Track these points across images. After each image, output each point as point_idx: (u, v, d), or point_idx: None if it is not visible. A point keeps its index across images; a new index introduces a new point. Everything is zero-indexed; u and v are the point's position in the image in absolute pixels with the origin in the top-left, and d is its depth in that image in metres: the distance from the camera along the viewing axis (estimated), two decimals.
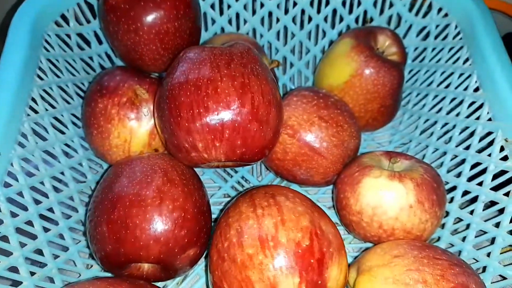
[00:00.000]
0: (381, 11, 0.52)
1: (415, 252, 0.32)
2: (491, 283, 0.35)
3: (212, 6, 0.50)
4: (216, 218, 0.43)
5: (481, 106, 0.40)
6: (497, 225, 0.36)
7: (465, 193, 0.40)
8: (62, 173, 0.40)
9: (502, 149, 0.37)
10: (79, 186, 0.42)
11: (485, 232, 0.37)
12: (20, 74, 0.36)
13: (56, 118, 0.41)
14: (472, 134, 0.41)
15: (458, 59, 0.45)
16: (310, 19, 0.52)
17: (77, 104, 0.44)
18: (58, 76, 0.42)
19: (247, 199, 0.33)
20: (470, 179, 0.40)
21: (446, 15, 0.48)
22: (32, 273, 0.33)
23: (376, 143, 0.52)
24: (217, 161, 0.35)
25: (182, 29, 0.40)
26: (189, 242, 0.34)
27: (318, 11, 0.52)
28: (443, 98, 0.46)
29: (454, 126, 0.44)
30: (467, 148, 0.41)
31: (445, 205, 0.37)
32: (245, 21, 0.51)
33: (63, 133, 0.41)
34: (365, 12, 0.52)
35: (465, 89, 0.43)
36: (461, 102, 0.43)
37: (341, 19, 0.52)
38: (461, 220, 0.39)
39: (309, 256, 0.29)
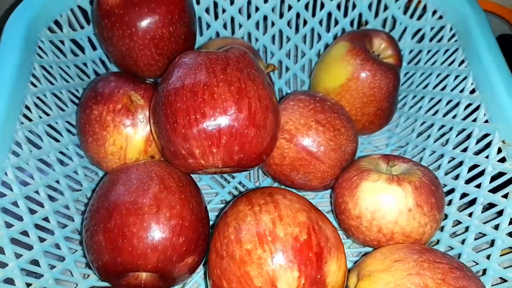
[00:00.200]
0: (376, 14, 0.52)
1: (415, 256, 0.32)
2: (492, 285, 0.35)
3: (207, 11, 0.50)
4: (213, 224, 0.42)
5: (477, 108, 0.40)
6: (496, 227, 0.36)
7: (464, 195, 0.40)
8: (57, 182, 0.39)
9: (499, 150, 0.37)
10: (75, 194, 0.41)
11: (484, 235, 0.37)
12: (14, 81, 0.36)
13: (50, 126, 0.40)
14: (469, 136, 0.41)
15: (453, 61, 0.45)
16: (305, 22, 0.52)
17: (71, 111, 0.44)
18: (52, 83, 0.41)
19: (245, 199, 0.34)
20: (468, 181, 0.40)
21: (440, 17, 0.48)
22: (28, 284, 0.33)
23: (373, 146, 0.52)
24: (214, 168, 0.34)
25: (177, 34, 0.40)
26: (187, 250, 0.33)
27: (313, 15, 0.52)
28: (439, 101, 0.46)
29: (451, 128, 0.44)
30: (465, 150, 0.41)
31: (444, 208, 0.37)
32: (240, 25, 0.51)
33: (57, 140, 0.41)
34: (360, 15, 0.52)
35: (461, 91, 0.43)
36: (457, 104, 0.43)
37: (336, 23, 0.52)
38: (460, 222, 0.39)
39: (307, 250, 0.29)
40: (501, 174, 0.36)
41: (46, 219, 0.37)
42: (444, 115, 0.45)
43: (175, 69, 0.35)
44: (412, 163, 0.39)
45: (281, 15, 0.51)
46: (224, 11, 0.50)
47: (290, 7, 0.51)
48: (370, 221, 0.36)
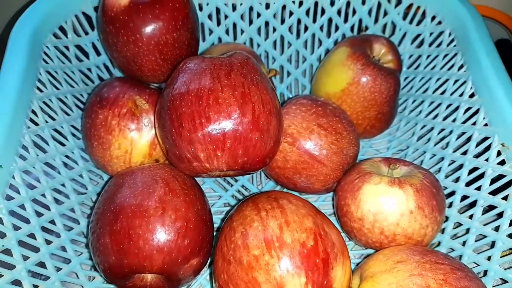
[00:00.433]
0: (376, 20, 0.53)
1: (417, 257, 0.32)
2: (493, 286, 0.35)
3: (210, 17, 0.50)
4: (218, 227, 0.43)
5: (477, 112, 0.41)
6: (497, 229, 0.36)
7: (464, 197, 0.40)
8: (63, 185, 0.40)
9: (499, 153, 0.38)
10: (80, 197, 0.41)
11: (484, 236, 0.37)
12: (20, 86, 0.36)
13: (56, 130, 0.41)
14: (469, 139, 0.42)
15: (452, 65, 0.46)
16: (306, 28, 0.53)
17: (76, 115, 0.44)
18: (57, 88, 0.42)
19: (250, 203, 0.34)
20: (468, 184, 0.40)
21: (439, 22, 0.49)
22: (35, 286, 0.33)
23: (374, 150, 0.52)
24: (218, 171, 0.35)
25: (181, 39, 0.40)
26: (192, 252, 0.34)
27: (314, 21, 0.52)
28: (439, 105, 0.47)
29: (451, 132, 0.44)
30: (465, 153, 0.42)
31: (445, 210, 0.38)
32: (242, 31, 0.52)
33: (63, 145, 0.41)
34: (360, 21, 0.53)
35: (461, 95, 0.43)
36: (457, 108, 0.44)
37: (337, 28, 0.53)
38: (460, 224, 0.40)
39: (314, 256, 0.29)
40: (500, 176, 0.37)
41: (52, 221, 0.37)
42: (444, 119, 0.46)
43: (180, 74, 0.35)
44: (413, 166, 0.39)
45: (283, 21, 0.52)
46: (226, 17, 0.51)
47: (291, 13, 0.51)
48: (372, 223, 0.36)
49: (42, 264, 0.35)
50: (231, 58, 0.36)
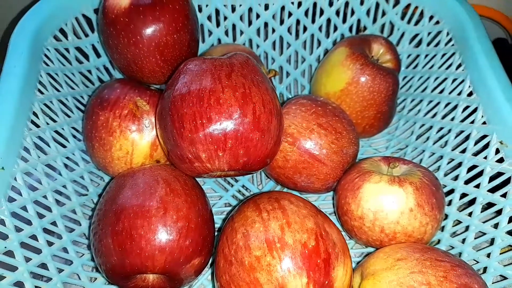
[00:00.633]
0: (374, 20, 0.53)
1: (418, 254, 0.32)
2: (492, 283, 0.35)
3: (209, 18, 0.51)
4: (219, 227, 0.43)
5: (475, 110, 0.41)
6: (496, 226, 0.37)
7: (463, 195, 0.41)
8: (64, 187, 0.40)
9: (497, 151, 0.38)
10: (81, 199, 0.42)
11: (484, 233, 0.38)
12: (21, 89, 0.37)
13: (57, 132, 0.41)
14: (467, 137, 0.42)
15: (450, 65, 0.46)
16: (305, 29, 0.53)
17: (77, 117, 0.44)
18: (58, 90, 0.42)
19: (252, 204, 0.34)
20: (467, 181, 0.41)
21: (437, 22, 0.49)
22: None
23: (373, 149, 0.53)
24: (220, 171, 0.35)
25: (181, 41, 0.41)
26: (194, 252, 0.34)
27: (313, 21, 0.53)
28: (438, 103, 0.47)
29: (449, 131, 0.44)
30: (463, 151, 0.42)
31: (444, 208, 0.38)
32: (241, 32, 0.52)
33: (64, 146, 0.41)
34: (359, 21, 0.53)
35: (459, 94, 0.44)
36: (455, 107, 0.44)
37: (336, 29, 0.54)
38: (460, 222, 0.40)
39: (315, 256, 0.30)
40: (499, 174, 0.37)
41: (54, 223, 0.37)
42: (443, 118, 0.46)
43: (181, 76, 0.35)
44: (413, 164, 0.39)
45: (282, 22, 0.52)
46: (225, 18, 0.51)
47: (290, 14, 0.52)
48: (372, 221, 0.36)
49: (44, 266, 0.35)
50: (232, 59, 0.36)
